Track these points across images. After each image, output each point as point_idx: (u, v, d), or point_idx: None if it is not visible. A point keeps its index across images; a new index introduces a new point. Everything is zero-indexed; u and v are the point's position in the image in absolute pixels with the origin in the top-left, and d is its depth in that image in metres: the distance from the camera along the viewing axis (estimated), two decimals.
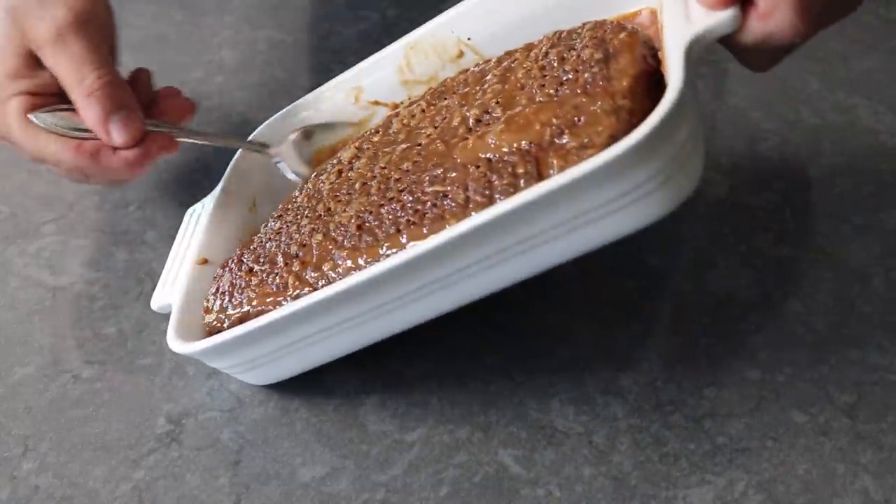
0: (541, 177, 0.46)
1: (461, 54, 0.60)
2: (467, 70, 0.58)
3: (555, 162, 0.46)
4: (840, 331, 0.57)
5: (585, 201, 0.44)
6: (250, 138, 0.64)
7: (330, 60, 0.81)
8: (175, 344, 0.52)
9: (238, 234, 0.60)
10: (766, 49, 0.47)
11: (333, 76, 0.79)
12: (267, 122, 0.65)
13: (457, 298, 0.49)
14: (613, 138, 0.45)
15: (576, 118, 0.47)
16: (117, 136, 0.55)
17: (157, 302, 0.57)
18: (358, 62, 0.80)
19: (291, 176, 0.62)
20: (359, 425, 0.54)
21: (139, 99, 0.58)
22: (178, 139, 0.58)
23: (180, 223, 0.60)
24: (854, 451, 0.51)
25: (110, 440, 0.53)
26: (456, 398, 0.54)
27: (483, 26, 0.60)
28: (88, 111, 0.55)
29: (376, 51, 0.65)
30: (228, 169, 0.63)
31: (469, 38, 0.60)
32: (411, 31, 0.62)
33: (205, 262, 0.57)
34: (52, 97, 0.57)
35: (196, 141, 0.60)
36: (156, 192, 0.69)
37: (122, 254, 0.65)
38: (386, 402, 0.54)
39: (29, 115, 0.56)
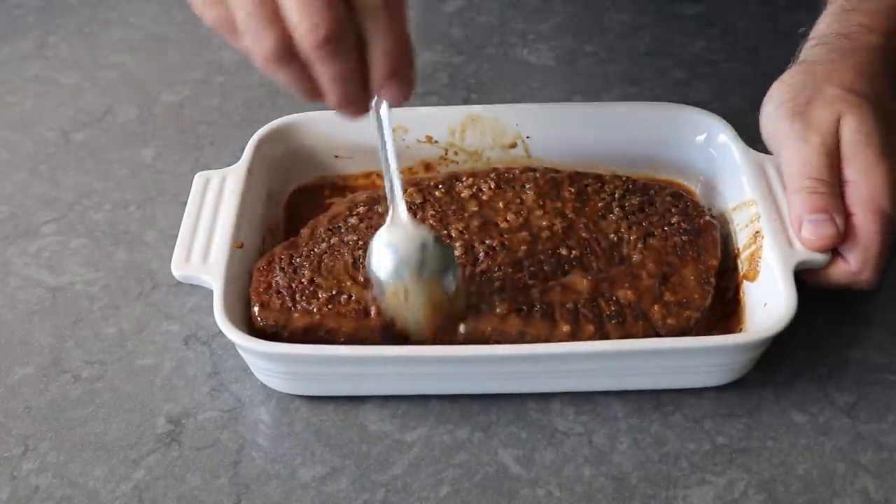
0: (646, 316, 0.53)
1: (514, 145, 0.66)
2: (535, 170, 0.62)
3: (656, 308, 0.53)
4: (840, 331, 0.57)
5: (686, 360, 0.52)
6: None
7: None
8: (233, 333, 0.51)
9: (259, 220, 0.60)
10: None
11: None
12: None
13: (538, 386, 0.54)
14: (703, 308, 0.54)
15: (667, 273, 0.55)
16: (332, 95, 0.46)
17: (180, 271, 0.55)
18: None
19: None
20: (359, 425, 0.54)
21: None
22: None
23: (180, 223, 0.59)
24: (854, 451, 0.51)
25: (110, 440, 0.53)
26: (456, 398, 0.54)
27: (544, 132, 0.65)
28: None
29: None
30: (250, 149, 0.62)
31: (528, 137, 0.65)
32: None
33: (240, 245, 0.57)
34: None
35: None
36: (156, 192, 0.69)
37: (122, 254, 0.65)
38: (386, 402, 0.54)
39: None
